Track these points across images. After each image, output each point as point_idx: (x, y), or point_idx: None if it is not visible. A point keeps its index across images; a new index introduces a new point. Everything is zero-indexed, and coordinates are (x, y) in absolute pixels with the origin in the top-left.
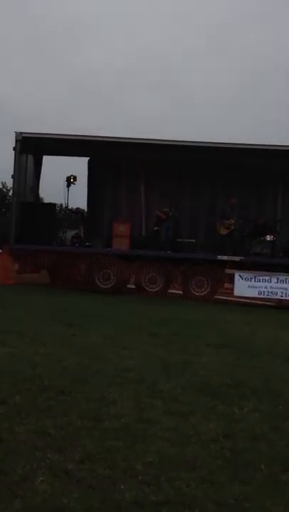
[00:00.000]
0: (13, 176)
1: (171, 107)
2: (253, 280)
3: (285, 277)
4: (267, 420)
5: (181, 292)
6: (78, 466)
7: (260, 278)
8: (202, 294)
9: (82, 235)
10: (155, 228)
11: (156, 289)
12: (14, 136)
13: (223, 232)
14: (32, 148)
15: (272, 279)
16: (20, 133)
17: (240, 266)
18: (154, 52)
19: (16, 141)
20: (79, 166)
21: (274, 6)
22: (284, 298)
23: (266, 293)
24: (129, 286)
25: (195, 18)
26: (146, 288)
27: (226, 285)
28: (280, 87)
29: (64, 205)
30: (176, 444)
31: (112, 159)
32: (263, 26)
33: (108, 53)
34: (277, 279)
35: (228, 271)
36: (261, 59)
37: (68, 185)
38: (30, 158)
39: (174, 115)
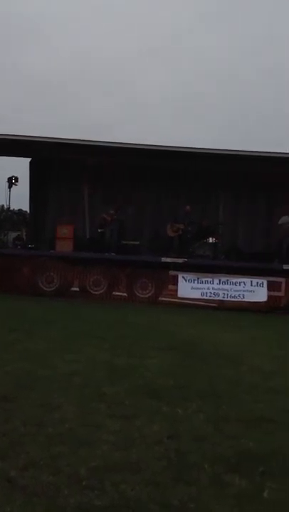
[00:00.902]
0: None
1: (122, 108)
2: (196, 282)
3: (227, 279)
4: (210, 421)
5: (125, 294)
6: (21, 473)
7: (203, 280)
8: (147, 296)
9: (24, 237)
10: (99, 230)
11: (101, 292)
12: None
13: (171, 234)
14: None
15: (215, 280)
16: None
17: (184, 268)
18: (103, 52)
19: None
20: (21, 166)
21: (228, 6)
22: (225, 299)
23: (209, 294)
24: (73, 289)
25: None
26: (91, 291)
27: (170, 287)
28: (229, 90)
29: (5, 207)
30: (120, 448)
31: (54, 160)
32: (219, 26)
33: (56, 53)
34: (219, 280)
35: (171, 273)
36: (212, 59)
37: (10, 187)
38: None
39: (125, 116)
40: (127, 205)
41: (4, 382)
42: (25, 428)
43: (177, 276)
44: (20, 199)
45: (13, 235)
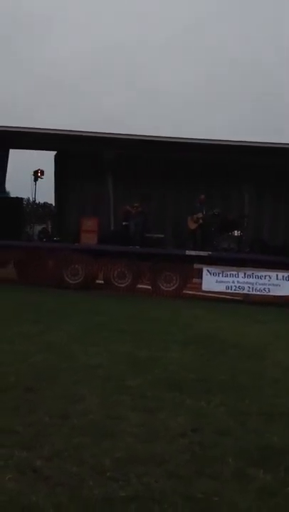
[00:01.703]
0: None
1: (139, 100)
2: (220, 275)
3: (252, 272)
4: (233, 415)
5: (150, 287)
6: (46, 463)
7: (228, 273)
8: (171, 289)
9: (49, 230)
10: (124, 223)
11: (125, 285)
12: None
13: (192, 226)
14: None
15: (240, 274)
16: None
17: (208, 261)
18: (119, 46)
19: None
20: (46, 160)
21: (239, 4)
22: (251, 293)
23: (234, 288)
24: (98, 281)
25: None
26: (115, 283)
27: (195, 280)
28: (244, 81)
29: (31, 200)
30: (144, 440)
31: (79, 153)
32: (228, 22)
33: (73, 47)
34: (244, 274)
35: (196, 266)
36: (226, 52)
37: (35, 180)
38: None
39: (141, 109)
40: (150, 197)
41: (28, 374)
42: (50, 419)
43: (202, 269)
44: (45, 192)
45: (38, 228)
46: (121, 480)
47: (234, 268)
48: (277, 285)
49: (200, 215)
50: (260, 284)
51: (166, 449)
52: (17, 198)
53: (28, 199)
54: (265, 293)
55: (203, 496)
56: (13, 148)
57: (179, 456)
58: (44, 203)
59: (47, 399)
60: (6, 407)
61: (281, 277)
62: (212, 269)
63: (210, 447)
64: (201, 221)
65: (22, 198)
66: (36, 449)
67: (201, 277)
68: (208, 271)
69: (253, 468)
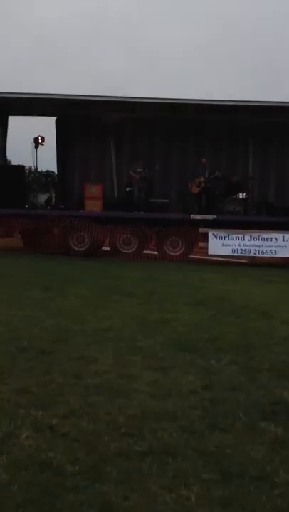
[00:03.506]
0: None
1: (137, 63)
2: (226, 238)
3: (258, 234)
4: (244, 372)
5: (156, 253)
6: (62, 421)
7: (234, 236)
8: (177, 254)
9: (53, 198)
10: (127, 189)
11: (131, 251)
12: None
13: (195, 190)
14: None
15: (246, 236)
16: None
17: (214, 225)
18: (116, 7)
19: None
20: (47, 126)
21: None
22: (257, 255)
23: (240, 251)
24: (104, 248)
25: None
26: (121, 249)
27: (201, 244)
28: (246, 41)
29: (33, 168)
30: (157, 397)
31: (80, 118)
32: None
33: (71, 8)
34: (250, 236)
35: (202, 230)
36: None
37: (36, 147)
38: None
39: (140, 72)
40: (153, 161)
41: (41, 338)
42: (64, 379)
43: (207, 233)
44: (47, 160)
45: (42, 196)
46: (135, 435)
47: (240, 231)
48: (283, 247)
49: (202, 178)
50: (266, 247)
51: (179, 406)
52: (18, 166)
53: (30, 167)
54: (271, 255)
55: (215, 449)
56: (12, 115)
57: (191, 412)
58: (46, 171)
59: (60, 360)
60: (20, 369)
61: (288, 239)
62: (218, 233)
63: (221, 403)
64: (203, 185)
65: (24, 166)
66: (52, 408)
67: (207, 241)
68: (213, 235)
69: (265, 422)
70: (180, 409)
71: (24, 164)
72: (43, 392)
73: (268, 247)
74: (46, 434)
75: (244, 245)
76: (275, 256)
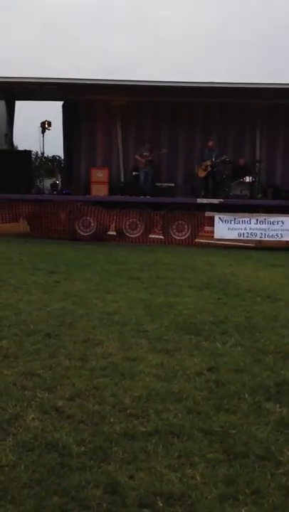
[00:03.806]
0: None
1: (145, 45)
2: (232, 222)
3: (264, 218)
4: (249, 354)
5: (162, 237)
6: (68, 403)
7: (240, 220)
8: (183, 238)
9: (59, 182)
10: (134, 173)
11: (137, 235)
12: None
13: (201, 174)
14: (3, 94)
15: (252, 220)
16: None
17: (220, 208)
18: None
19: None
20: (54, 110)
21: None
22: (263, 239)
23: (246, 234)
24: (109, 232)
25: None
26: (127, 234)
27: (207, 228)
28: (257, 24)
29: (40, 153)
30: (162, 379)
31: (86, 102)
32: None
33: None
34: (257, 220)
35: (208, 214)
36: None
37: (43, 132)
38: (2, 103)
39: (148, 55)
40: (160, 146)
41: (47, 321)
42: (70, 362)
43: (214, 217)
44: (54, 145)
45: (48, 181)
46: (141, 416)
47: (246, 214)
48: None
49: (208, 162)
50: (272, 230)
51: (184, 387)
52: (25, 150)
53: (37, 153)
54: (277, 238)
55: (221, 430)
56: (19, 99)
57: (196, 393)
58: (53, 156)
59: (66, 344)
60: (27, 352)
61: None
62: (224, 217)
63: (226, 384)
64: (209, 169)
65: (30, 151)
66: (58, 390)
67: (214, 225)
68: (220, 218)
69: (270, 403)
70: (185, 390)
71: (31, 149)
72: (49, 375)
73: (275, 230)
74: (52, 416)
75: (250, 229)
76: (281, 239)
